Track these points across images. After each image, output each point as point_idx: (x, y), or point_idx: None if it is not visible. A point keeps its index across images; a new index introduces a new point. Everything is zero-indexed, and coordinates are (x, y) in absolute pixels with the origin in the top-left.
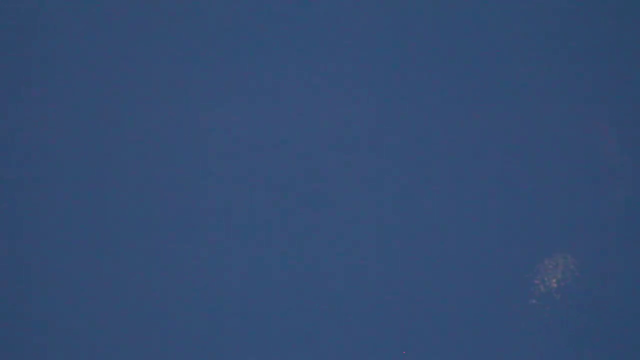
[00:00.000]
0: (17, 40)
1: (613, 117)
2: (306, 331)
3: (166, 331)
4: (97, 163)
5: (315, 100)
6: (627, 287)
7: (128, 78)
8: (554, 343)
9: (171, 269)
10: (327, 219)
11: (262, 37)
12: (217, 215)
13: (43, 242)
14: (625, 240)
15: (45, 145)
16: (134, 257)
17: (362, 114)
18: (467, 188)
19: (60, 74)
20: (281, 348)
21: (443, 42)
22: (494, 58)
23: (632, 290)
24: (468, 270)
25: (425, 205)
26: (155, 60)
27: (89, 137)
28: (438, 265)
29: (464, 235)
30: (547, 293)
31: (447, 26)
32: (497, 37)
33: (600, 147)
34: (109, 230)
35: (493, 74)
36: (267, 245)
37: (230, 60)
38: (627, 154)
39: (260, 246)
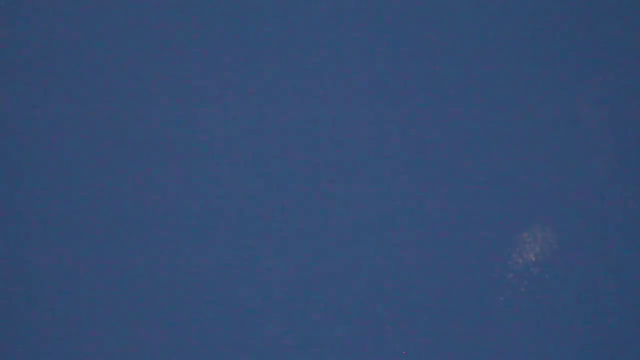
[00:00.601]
0: (17, 40)
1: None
2: (306, 331)
3: (166, 331)
4: (96, 163)
5: (315, 100)
6: (608, 262)
7: (128, 78)
8: (532, 318)
9: (171, 269)
10: (326, 218)
11: (262, 36)
12: (216, 215)
13: (42, 242)
14: (606, 215)
15: (45, 145)
16: (134, 256)
17: (363, 114)
18: (445, 161)
19: (60, 74)
20: (281, 348)
21: (443, 42)
22: (494, 58)
23: (613, 265)
24: (447, 248)
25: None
26: (154, 60)
27: (89, 137)
28: (417, 240)
29: (443, 213)
30: (526, 267)
31: (447, 26)
32: (496, 37)
33: (577, 119)
34: (109, 230)
35: (493, 74)
36: (266, 245)
37: (230, 60)
38: (606, 127)
39: (260, 246)
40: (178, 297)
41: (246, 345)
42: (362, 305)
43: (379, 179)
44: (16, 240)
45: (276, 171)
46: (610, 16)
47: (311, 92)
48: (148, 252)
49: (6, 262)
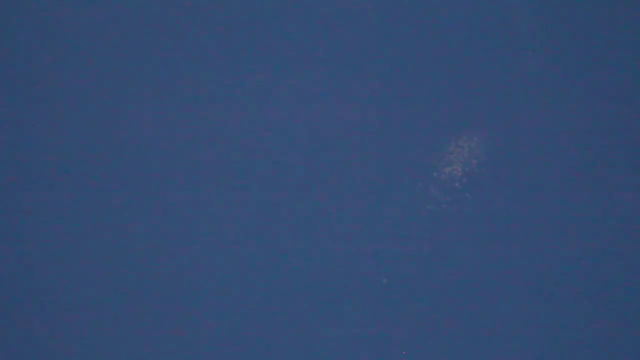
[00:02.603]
0: (16, 40)
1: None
2: (305, 331)
3: (166, 331)
4: (96, 163)
5: (314, 100)
6: (537, 170)
7: (127, 78)
8: (453, 232)
9: (170, 269)
10: (326, 218)
11: (262, 36)
12: (216, 215)
13: (42, 242)
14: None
15: (45, 145)
16: (133, 257)
17: (363, 114)
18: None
19: (60, 74)
20: (280, 348)
21: (443, 42)
22: (493, 58)
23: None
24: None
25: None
26: (154, 59)
27: (88, 137)
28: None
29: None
30: (450, 180)
31: (447, 26)
32: (496, 37)
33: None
34: (108, 230)
35: (493, 74)
36: (266, 245)
37: (229, 60)
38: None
39: (260, 246)
40: (177, 297)
41: (246, 345)
42: (362, 305)
43: (379, 179)
44: (16, 240)
45: (276, 171)
46: (611, 16)
47: (311, 92)
48: (147, 252)
49: (6, 263)
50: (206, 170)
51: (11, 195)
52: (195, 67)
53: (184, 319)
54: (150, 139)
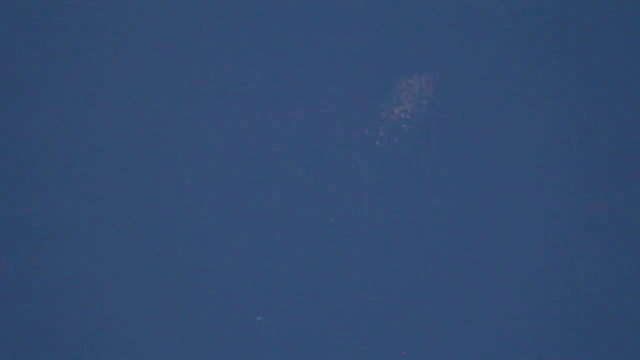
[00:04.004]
0: (15, 40)
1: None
2: (305, 331)
3: (166, 331)
4: (95, 163)
5: (315, 100)
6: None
7: (126, 78)
8: (389, 172)
9: (170, 269)
10: (326, 219)
11: (262, 36)
12: (216, 216)
13: (42, 242)
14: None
15: (44, 146)
16: (133, 258)
17: (363, 115)
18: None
19: (59, 74)
20: (281, 349)
21: (443, 42)
22: (493, 58)
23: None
24: None
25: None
26: (153, 59)
27: (88, 137)
28: None
29: None
30: (398, 122)
31: (446, 26)
32: (495, 37)
33: None
34: (108, 230)
35: (443, 10)
36: (266, 245)
37: (230, 60)
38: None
39: (260, 246)
40: (177, 298)
41: (246, 345)
42: (361, 304)
43: (378, 179)
44: (16, 239)
45: (276, 171)
46: (611, 16)
47: (311, 92)
48: (147, 252)
49: (6, 263)
50: (206, 170)
51: (11, 195)
52: (195, 67)
53: (184, 319)
54: (150, 139)
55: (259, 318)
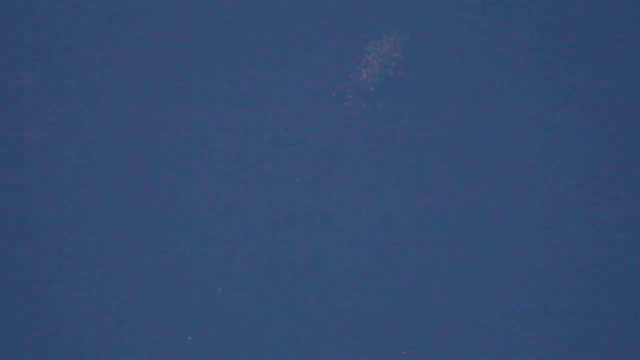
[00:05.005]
0: (15, 39)
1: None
2: (306, 331)
3: (165, 332)
4: (96, 163)
5: (315, 100)
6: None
7: (126, 78)
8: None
9: (169, 269)
10: (326, 219)
11: (261, 36)
12: (216, 216)
13: (42, 242)
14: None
15: (44, 146)
16: (132, 258)
17: (364, 114)
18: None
19: (59, 74)
20: (280, 349)
21: (443, 42)
22: (493, 58)
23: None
24: None
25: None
26: (153, 59)
27: (87, 137)
28: None
29: None
30: (366, 83)
31: (446, 26)
32: (495, 37)
33: None
34: (108, 230)
35: (492, 74)
36: (266, 245)
37: (229, 60)
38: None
39: (259, 246)
40: (176, 298)
41: (245, 346)
42: (358, 305)
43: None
44: (16, 240)
45: (276, 172)
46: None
47: (311, 92)
48: (146, 253)
49: (6, 263)
50: (206, 170)
51: (11, 196)
52: (195, 67)
53: (184, 319)
54: (150, 139)
55: (219, 289)
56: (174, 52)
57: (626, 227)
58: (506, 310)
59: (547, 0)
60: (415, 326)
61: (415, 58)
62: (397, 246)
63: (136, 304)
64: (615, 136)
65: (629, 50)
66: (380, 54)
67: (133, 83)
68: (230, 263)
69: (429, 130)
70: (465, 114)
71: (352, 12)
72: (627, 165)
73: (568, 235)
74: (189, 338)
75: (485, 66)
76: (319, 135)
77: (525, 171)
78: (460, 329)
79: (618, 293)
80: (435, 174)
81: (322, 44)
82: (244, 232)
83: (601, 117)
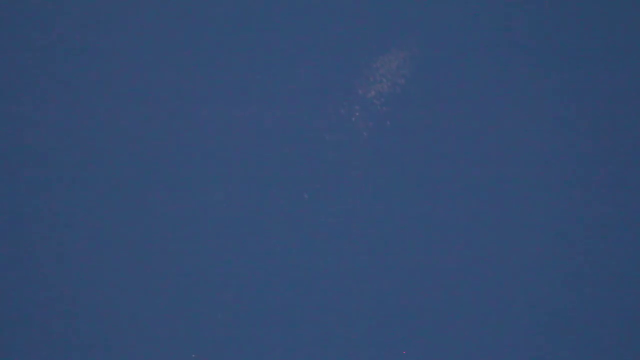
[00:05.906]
0: (15, 39)
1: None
2: (305, 332)
3: (165, 332)
4: (96, 163)
5: (314, 100)
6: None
7: (126, 79)
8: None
9: (169, 269)
10: (325, 219)
11: (261, 36)
12: (216, 216)
13: (42, 242)
14: None
15: (43, 146)
16: (132, 259)
17: (363, 115)
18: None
19: (59, 74)
20: (280, 350)
21: (443, 42)
22: (493, 58)
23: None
24: None
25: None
26: (153, 60)
27: (88, 137)
28: None
29: None
30: (377, 99)
31: (446, 26)
32: (495, 37)
33: None
34: (107, 230)
35: (492, 74)
36: (266, 246)
37: (229, 59)
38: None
39: (259, 246)
40: (176, 298)
41: (245, 346)
42: (358, 306)
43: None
44: (16, 240)
45: (276, 172)
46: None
47: (311, 92)
48: (146, 253)
49: (6, 263)
50: (205, 170)
51: (12, 196)
52: (194, 67)
53: (183, 319)
54: (150, 140)
55: (193, 356)
56: (183, 53)
57: (626, 227)
58: (506, 310)
59: (556, 18)
60: (415, 326)
61: (422, 74)
62: (397, 246)
63: (136, 304)
64: (615, 136)
65: (629, 50)
66: (389, 70)
67: (133, 83)
68: (230, 263)
69: (434, 139)
70: (470, 126)
71: (362, 26)
72: (627, 165)
73: (568, 235)
74: (193, 356)
75: (493, 81)
76: (324, 142)
77: (526, 177)
78: (460, 329)
79: (618, 293)
80: (440, 182)
81: (330, 57)
82: (243, 232)
83: (601, 117)
